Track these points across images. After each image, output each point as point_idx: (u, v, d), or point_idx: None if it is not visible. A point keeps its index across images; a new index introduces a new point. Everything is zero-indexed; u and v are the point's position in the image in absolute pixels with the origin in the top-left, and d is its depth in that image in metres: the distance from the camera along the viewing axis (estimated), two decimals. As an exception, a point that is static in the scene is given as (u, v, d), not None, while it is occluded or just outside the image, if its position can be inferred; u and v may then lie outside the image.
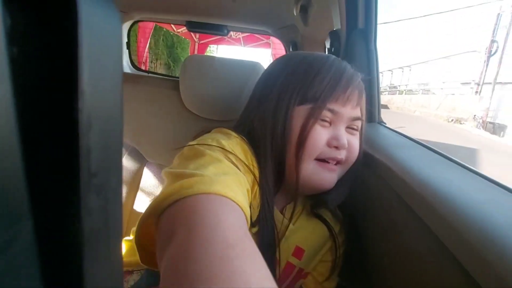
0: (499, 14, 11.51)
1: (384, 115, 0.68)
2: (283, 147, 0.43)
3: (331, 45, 0.70)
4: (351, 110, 0.45)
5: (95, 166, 0.08)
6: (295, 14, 1.06)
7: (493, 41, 11.65)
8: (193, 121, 0.82)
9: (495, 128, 10.57)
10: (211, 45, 5.34)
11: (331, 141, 0.43)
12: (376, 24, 0.63)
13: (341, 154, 0.44)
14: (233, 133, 0.43)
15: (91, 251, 0.08)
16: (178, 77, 0.83)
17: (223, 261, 0.21)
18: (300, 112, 0.43)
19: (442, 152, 0.41)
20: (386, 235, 0.40)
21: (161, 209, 0.28)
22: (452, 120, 11.89)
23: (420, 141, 0.48)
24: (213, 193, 0.28)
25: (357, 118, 0.46)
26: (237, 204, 0.29)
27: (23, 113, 0.06)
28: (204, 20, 1.61)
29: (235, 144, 0.40)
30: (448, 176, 0.33)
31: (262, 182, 0.43)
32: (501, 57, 11.16)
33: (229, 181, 0.31)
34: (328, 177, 0.44)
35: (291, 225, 0.48)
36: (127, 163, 0.92)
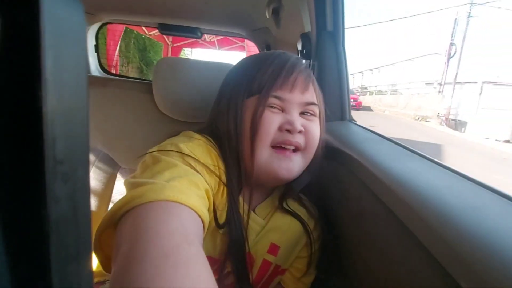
0: (456, 19, 12.43)
1: (359, 115, 0.71)
2: (239, 140, 0.45)
3: (303, 47, 0.72)
4: (300, 95, 0.46)
5: (61, 154, 0.08)
6: (267, 16, 1.08)
7: (451, 44, 12.54)
8: (167, 124, 0.80)
9: (457, 125, 11.36)
10: (185, 48, 5.26)
11: (283, 125, 0.44)
12: (343, 26, 0.66)
13: (296, 138, 0.45)
14: (196, 135, 0.44)
15: (59, 239, 0.08)
16: (150, 80, 0.82)
17: (157, 272, 0.21)
18: (249, 104, 0.45)
19: (405, 145, 0.44)
20: (357, 224, 0.42)
21: (114, 221, 0.28)
22: (418, 118, 12.62)
23: (385, 135, 0.51)
24: (162, 199, 0.28)
25: (309, 103, 0.47)
26: (189, 207, 0.29)
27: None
28: (176, 22, 1.58)
29: (196, 146, 0.41)
30: (410, 166, 0.35)
31: (228, 180, 0.44)
32: (460, 59, 12.03)
33: (182, 185, 0.32)
34: (284, 164, 0.44)
35: (264, 222, 0.49)
36: (98, 170, 0.88)
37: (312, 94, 0.48)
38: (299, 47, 0.75)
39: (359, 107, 17.03)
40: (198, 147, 0.41)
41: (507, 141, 9.09)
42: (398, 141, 0.47)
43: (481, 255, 0.21)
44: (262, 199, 0.52)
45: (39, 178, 0.07)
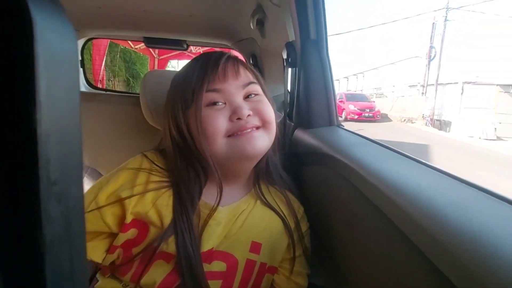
0: (433, 23, 12.93)
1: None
2: (191, 146, 0.48)
3: (288, 55, 0.74)
4: (235, 81, 0.48)
5: (55, 175, 0.08)
6: (252, 28, 1.10)
7: (431, 47, 13.00)
8: (157, 135, 0.80)
9: (442, 125, 11.67)
10: (171, 60, 5.27)
11: (231, 116, 0.46)
12: (326, 34, 0.68)
13: (250, 122, 0.46)
14: (131, 163, 0.50)
15: (53, 258, 0.08)
16: (137, 93, 0.82)
17: None
18: (191, 113, 0.47)
19: (391, 147, 0.45)
20: (349, 226, 0.42)
21: None
22: (404, 120, 12.92)
23: (373, 139, 0.52)
24: None
25: (248, 83, 0.49)
26: None
27: None
28: (161, 35, 1.59)
29: (115, 178, 0.47)
30: (397, 167, 0.37)
31: (177, 184, 0.48)
32: (440, 61, 12.46)
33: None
34: (246, 143, 0.45)
35: (243, 221, 0.50)
36: (86, 186, 0.87)
37: (247, 75, 0.50)
38: (284, 56, 0.77)
39: (377, 117, 12.20)
40: (117, 179, 0.47)
41: (492, 139, 9.39)
42: (384, 143, 0.48)
43: (466, 248, 0.21)
44: (241, 195, 0.52)
45: (33, 198, 0.08)
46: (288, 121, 0.80)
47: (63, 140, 0.08)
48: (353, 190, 0.41)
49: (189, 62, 0.52)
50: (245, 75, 0.49)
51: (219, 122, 0.45)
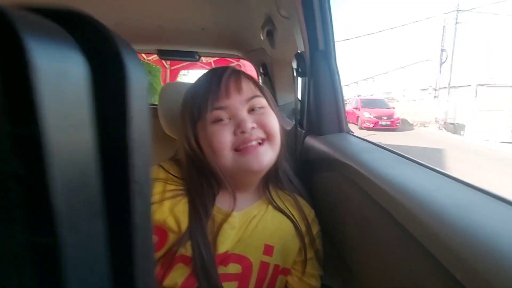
0: (444, 26, 12.78)
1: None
2: (202, 159, 0.50)
3: (298, 65, 0.77)
4: (238, 96, 0.50)
5: (137, 177, 0.11)
6: (262, 39, 1.14)
7: (442, 50, 12.82)
8: (174, 145, 0.84)
9: (456, 128, 11.39)
10: (182, 71, 5.39)
11: (235, 130, 0.48)
12: (334, 45, 0.71)
13: (254, 134, 0.49)
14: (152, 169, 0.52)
15: (140, 248, 0.11)
16: (155, 105, 0.86)
17: None
18: (200, 128, 0.50)
19: (400, 153, 0.47)
20: (361, 230, 0.44)
21: None
22: (416, 124, 12.69)
23: (381, 145, 0.54)
24: None
25: (251, 98, 0.51)
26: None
27: (101, 147, 0.10)
28: (174, 48, 1.66)
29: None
30: (406, 172, 0.39)
31: (190, 190, 0.50)
32: (452, 64, 12.26)
33: None
34: (252, 160, 0.48)
35: (255, 225, 0.52)
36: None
37: (250, 89, 0.51)
38: (294, 66, 0.80)
39: (395, 125, 10.49)
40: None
41: (510, 142, 9.10)
42: (391, 149, 0.50)
43: (474, 249, 0.23)
44: (253, 201, 0.55)
45: (126, 196, 0.11)
46: (299, 128, 0.82)
47: (143, 151, 0.11)
48: (363, 195, 0.43)
49: (198, 79, 0.55)
50: (249, 89, 0.51)
51: (225, 137, 0.48)
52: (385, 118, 10.41)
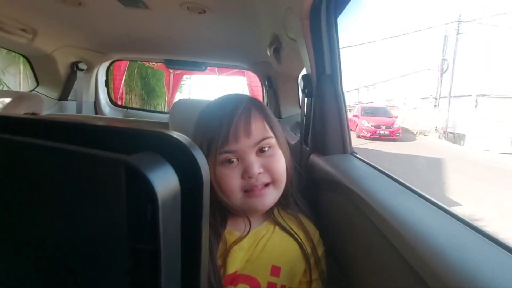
0: (445, 36, 12.88)
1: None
2: (214, 193, 0.51)
3: (304, 87, 0.80)
4: (247, 139, 0.50)
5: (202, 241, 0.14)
6: (268, 55, 1.17)
7: (443, 60, 12.90)
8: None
9: (456, 138, 11.42)
10: (186, 75, 5.42)
11: (244, 175, 0.50)
12: (340, 69, 0.74)
13: (261, 179, 0.51)
14: None
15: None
16: (166, 121, 0.88)
17: None
18: (208, 163, 0.50)
19: (402, 181, 0.50)
20: (365, 254, 0.46)
21: None
22: (417, 133, 12.72)
23: (385, 171, 0.57)
24: None
25: (261, 140, 0.51)
26: None
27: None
28: (181, 58, 1.69)
29: None
30: (408, 204, 0.41)
31: None
32: (452, 74, 12.33)
33: None
34: (257, 202, 0.51)
35: (263, 246, 0.54)
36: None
37: (260, 131, 0.52)
38: (301, 86, 0.83)
39: (395, 136, 9.74)
40: None
41: (509, 153, 9.13)
42: (395, 177, 0.52)
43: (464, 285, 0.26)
44: (260, 222, 0.57)
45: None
46: (304, 145, 0.85)
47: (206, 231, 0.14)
48: (367, 220, 0.45)
49: (210, 106, 0.55)
50: (258, 131, 0.51)
51: (234, 182, 0.50)
52: (383, 127, 9.82)
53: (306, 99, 0.82)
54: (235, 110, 0.52)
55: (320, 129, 0.75)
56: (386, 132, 9.71)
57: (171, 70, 4.50)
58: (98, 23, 1.32)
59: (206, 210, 0.14)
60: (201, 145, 0.52)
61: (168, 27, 1.30)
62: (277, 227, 0.57)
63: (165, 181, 0.11)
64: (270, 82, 1.54)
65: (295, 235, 0.56)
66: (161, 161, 0.12)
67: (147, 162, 0.11)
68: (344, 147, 0.73)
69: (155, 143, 0.13)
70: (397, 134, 9.82)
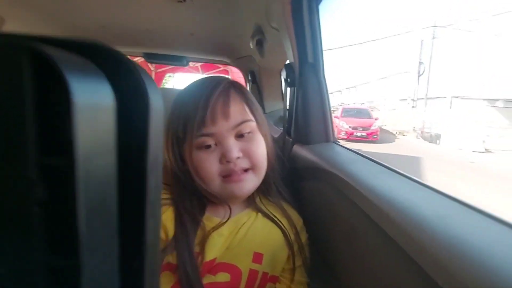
0: (422, 40, 13.43)
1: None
2: (189, 178, 0.49)
3: (287, 76, 0.78)
4: (226, 122, 0.48)
5: (153, 198, 0.11)
6: (251, 47, 1.16)
7: (420, 63, 13.44)
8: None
9: (432, 137, 11.91)
10: (168, 73, 5.31)
11: (222, 159, 0.48)
12: (322, 58, 0.74)
13: (240, 164, 0.48)
14: None
15: (150, 263, 0.12)
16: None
17: None
18: (185, 148, 0.48)
19: (384, 163, 0.49)
20: (348, 238, 0.45)
21: None
22: (396, 133, 13.16)
23: (367, 155, 0.56)
24: None
25: (240, 123, 0.49)
26: None
27: (120, 171, 0.10)
28: (162, 52, 1.64)
29: None
30: (390, 183, 0.40)
31: (175, 200, 0.49)
32: (428, 76, 12.87)
33: None
34: (236, 187, 0.48)
35: (245, 233, 0.52)
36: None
37: (239, 113, 0.49)
38: (284, 76, 0.82)
39: (372, 138, 9.46)
40: None
41: (481, 151, 9.61)
42: (377, 160, 0.52)
43: (452, 256, 0.25)
44: (242, 209, 0.55)
45: (140, 216, 0.11)
46: (287, 137, 0.84)
47: (156, 172, 0.12)
48: (350, 204, 0.44)
49: (186, 89, 0.52)
50: (237, 114, 0.49)
51: (212, 167, 0.47)
52: (360, 129, 9.46)
53: (289, 88, 0.81)
54: (213, 91, 0.49)
55: (303, 118, 0.74)
56: (363, 134, 9.42)
57: (152, 68, 4.39)
58: (72, 16, 1.25)
59: (156, 154, 0.11)
60: (176, 128, 0.49)
61: (147, 18, 1.25)
62: (259, 214, 0.55)
63: (90, 88, 0.09)
64: (253, 77, 1.52)
65: (278, 221, 0.55)
66: (89, 65, 0.10)
67: (66, 58, 0.09)
68: (327, 135, 0.72)
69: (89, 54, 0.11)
70: (375, 136, 9.58)
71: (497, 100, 10.33)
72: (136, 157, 0.11)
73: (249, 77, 1.55)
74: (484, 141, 9.87)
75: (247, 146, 0.49)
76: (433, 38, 13.10)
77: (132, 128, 0.11)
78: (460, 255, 0.24)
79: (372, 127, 9.61)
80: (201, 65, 3.86)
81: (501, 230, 0.27)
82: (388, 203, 0.35)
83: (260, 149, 0.51)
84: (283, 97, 0.90)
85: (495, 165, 7.24)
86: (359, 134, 9.51)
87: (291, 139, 0.80)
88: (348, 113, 10.58)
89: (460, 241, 0.26)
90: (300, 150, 0.72)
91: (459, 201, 0.32)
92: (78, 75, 0.08)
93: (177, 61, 1.63)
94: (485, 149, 9.83)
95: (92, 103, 0.09)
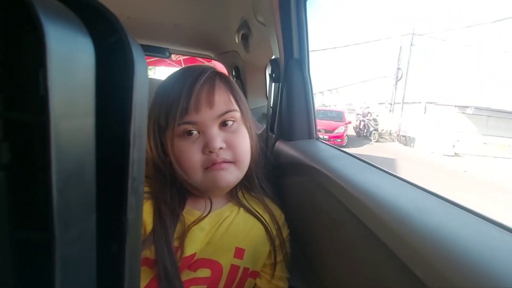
0: (401, 47, 13.95)
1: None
2: (170, 168, 0.48)
3: (272, 71, 0.78)
4: (210, 110, 0.46)
5: (136, 173, 0.10)
6: (237, 41, 1.14)
7: (398, 69, 13.97)
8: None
9: (407, 141, 12.43)
10: (149, 66, 5.17)
11: (204, 149, 0.46)
12: (308, 54, 0.74)
13: (222, 155, 0.47)
14: None
15: (131, 240, 0.11)
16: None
17: None
18: (167, 137, 0.47)
19: (365, 160, 0.50)
20: (329, 233, 0.46)
21: None
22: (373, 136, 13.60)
23: (348, 152, 0.57)
24: None
25: (225, 113, 0.47)
26: None
27: (100, 140, 0.09)
28: (143, 42, 1.59)
29: None
30: (371, 178, 0.41)
31: (154, 193, 0.47)
32: (406, 82, 13.41)
33: None
34: (217, 176, 0.47)
35: (226, 228, 0.52)
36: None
37: (224, 102, 0.48)
38: (269, 71, 0.81)
39: (335, 142, 8.56)
40: None
41: (451, 155, 10.17)
42: (358, 156, 0.53)
43: (431, 248, 0.26)
44: (224, 203, 0.54)
45: (123, 191, 0.10)
46: (270, 133, 0.84)
47: (140, 146, 0.11)
48: (331, 199, 0.45)
49: (169, 77, 0.51)
50: (222, 103, 0.47)
51: (194, 157, 0.46)
52: (323, 131, 8.87)
53: (273, 84, 0.81)
54: (198, 78, 0.47)
55: (286, 114, 0.74)
56: (325, 137, 8.71)
57: (133, 60, 4.24)
58: None
59: (140, 124, 0.10)
60: (158, 116, 0.47)
61: (128, 5, 1.20)
62: (241, 209, 0.55)
63: (68, 37, 0.08)
64: (237, 73, 1.51)
65: (260, 216, 0.54)
66: (68, 12, 0.09)
67: (43, 1, 0.07)
68: (310, 132, 0.73)
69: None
70: (338, 140, 9.03)
71: (468, 107, 10.95)
72: (118, 124, 0.10)
73: (233, 73, 1.53)
74: (454, 146, 10.45)
75: (231, 137, 0.48)
76: (411, 45, 13.65)
77: (114, 90, 0.10)
78: (438, 246, 0.25)
79: (337, 131, 9.22)
80: (184, 60, 3.78)
81: (475, 221, 0.28)
82: (368, 197, 0.36)
83: (244, 142, 0.50)
84: (267, 93, 0.89)
85: (458, 166, 7.76)
86: (321, 136, 8.90)
87: (274, 135, 0.80)
88: (322, 114, 10.33)
89: (437, 233, 0.26)
90: (282, 146, 0.72)
91: (437, 195, 0.34)
92: (55, 19, 0.07)
93: (159, 53, 1.58)
94: (455, 153, 10.41)
95: (70, 53, 0.08)
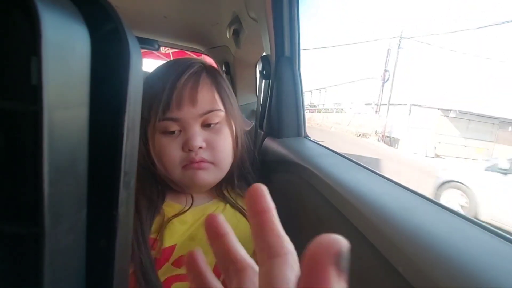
0: (388, 49, 14.24)
1: (308, 130, 0.79)
2: (150, 163, 0.47)
3: (263, 68, 0.78)
4: (192, 108, 0.45)
5: (128, 167, 0.10)
6: (228, 36, 1.13)
7: (385, 71, 14.26)
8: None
9: (391, 141, 12.76)
10: (137, 58, 5.03)
11: (184, 147, 0.46)
12: (299, 52, 0.74)
13: (201, 155, 0.46)
14: None
15: (121, 234, 0.10)
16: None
17: None
18: (149, 131, 0.46)
19: (352, 159, 0.51)
20: (316, 231, 0.47)
21: None
22: (360, 135, 13.89)
23: (336, 151, 0.58)
24: None
25: (207, 112, 0.46)
26: None
27: (93, 132, 0.09)
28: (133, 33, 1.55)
29: None
30: (357, 177, 0.42)
31: (137, 195, 0.47)
32: (392, 84, 13.71)
33: None
34: (195, 174, 0.46)
35: (192, 221, 0.50)
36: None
37: (208, 101, 0.47)
38: (259, 68, 0.81)
39: None
40: None
41: (432, 157, 10.52)
42: (346, 155, 0.54)
43: (413, 245, 0.27)
44: (210, 198, 0.54)
45: (115, 184, 0.10)
46: (259, 130, 0.84)
47: (133, 140, 0.11)
48: (319, 197, 0.45)
49: (155, 71, 0.49)
50: (205, 101, 0.46)
51: (174, 154, 0.45)
52: None
53: (263, 81, 0.81)
54: (182, 73, 0.46)
55: (276, 112, 0.74)
56: None
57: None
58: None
59: (133, 117, 0.10)
60: (142, 108, 0.46)
61: (117, -6, 1.17)
62: (228, 205, 0.54)
63: (63, 24, 0.07)
64: (227, 69, 1.50)
65: (246, 212, 0.54)
66: (64, 0, 0.08)
67: None
68: (298, 130, 0.73)
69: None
70: None
71: (450, 110, 11.33)
72: (111, 117, 0.09)
73: (223, 68, 1.52)
74: (435, 147, 10.81)
75: (212, 137, 0.47)
76: (399, 48, 13.95)
77: (109, 80, 0.09)
78: (419, 244, 0.26)
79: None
80: (173, 53, 3.70)
81: (455, 220, 0.30)
82: (354, 195, 0.37)
83: (226, 143, 0.49)
84: (257, 89, 0.89)
85: (435, 166, 8.14)
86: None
87: (262, 132, 0.80)
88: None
89: (419, 231, 0.27)
90: (271, 143, 0.72)
91: (420, 195, 0.35)
92: (50, 5, 0.07)
93: (148, 44, 1.55)
94: (436, 155, 10.78)
95: (64, 41, 0.08)
